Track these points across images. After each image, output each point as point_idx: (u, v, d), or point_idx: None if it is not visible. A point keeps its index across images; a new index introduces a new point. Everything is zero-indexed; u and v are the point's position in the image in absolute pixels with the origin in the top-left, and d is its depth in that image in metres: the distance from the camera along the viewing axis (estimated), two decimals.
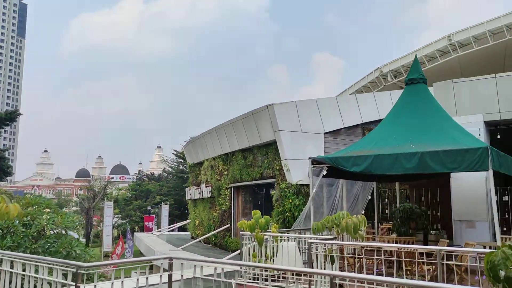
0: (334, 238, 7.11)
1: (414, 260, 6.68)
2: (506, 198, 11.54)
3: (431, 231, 11.46)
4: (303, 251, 8.49)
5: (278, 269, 6.14)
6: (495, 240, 8.90)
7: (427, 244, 11.09)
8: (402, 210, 11.70)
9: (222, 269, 4.34)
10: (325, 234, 8.26)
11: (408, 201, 13.27)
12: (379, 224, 12.91)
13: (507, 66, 21.73)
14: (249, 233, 7.84)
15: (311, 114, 14.39)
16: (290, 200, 13.17)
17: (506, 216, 11.66)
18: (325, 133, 14.54)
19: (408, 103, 10.24)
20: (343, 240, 8.60)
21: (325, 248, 6.54)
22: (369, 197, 13.21)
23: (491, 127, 12.07)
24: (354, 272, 7.61)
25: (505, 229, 11.45)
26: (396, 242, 10.23)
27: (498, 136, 11.69)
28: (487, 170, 8.15)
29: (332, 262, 6.22)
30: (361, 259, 7.54)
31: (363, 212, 12.92)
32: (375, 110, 15.43)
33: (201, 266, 4.39)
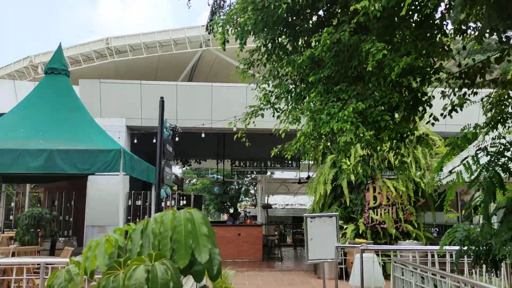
0: None
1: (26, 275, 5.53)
2: (139, 202, 11.83)
3: (60, 239, 10.46)
4: None
5: None
6: None
7: (53, 253, 10.05)
8: (30, 216, 10.27)
9: None
10: None
11: (39, 205, 11.87)
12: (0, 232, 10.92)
13: (159, 78, 23.28)
14: None
15: None
16: None
17: (138, 220, 11.95)
18: None
19: (45, 94, 9.01)
20: None
21: None
22: None
23: (133, 131, 12.24)
24: None
25: None
26: (14, 254, 8.73)
27: (135, 141, 11.95)
28: (119, 173, 7.90)
29: None
30: None
31: None
32: (14, 100, 13.31)
33: None
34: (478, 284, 3.90)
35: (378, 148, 3.85)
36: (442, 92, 3.97)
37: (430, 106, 3.94)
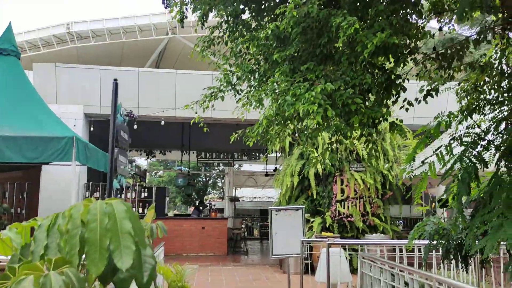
0: None
1: None
2: (97, 194, 11.22)
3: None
4: None
5: None
6: None
7: None
8: None
9: None
10: None
11: None
12: None
13: (124, 66, 22.42)
14: None
15: None
16: None
17: None
18: None
19: None
20: None
21: None
22: None
23: (92, 119, 11.59)
24: None
25: None
26: None
27: (92, 129, 11.30)
28: (71, 163, 7.33)
29: None
30: None
31: None
32: None
33: None
34: (451, 282, 3.64)
35: (348, 134, 3.51)
36: (417, 74, 3.68)
37: (404, 90, 3.63)
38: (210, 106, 4.26)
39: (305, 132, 4.03)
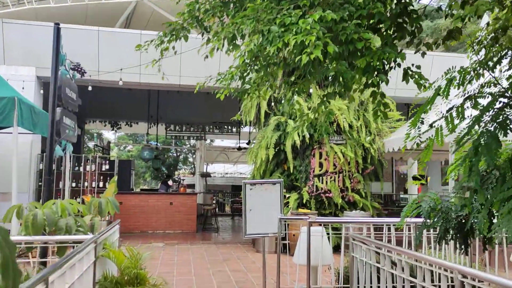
0: None
1: None
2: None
3: None
4: None
5: None
6: None
7: None
8: None
9: None
10: None
11: None
12: None
13: None
14: None
15: None
16: None
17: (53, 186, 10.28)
18: None
19: None
20: None
21: None
22: None
23: (42, 80, 10.41)
24: None
25: None
26: None
27: (42, 91, 10.13)
28: (12, 128, 6.31)
29: None
30: None
31: None
32: None
33: None
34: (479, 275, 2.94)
35: (349, 84, 2.70)
36: (438, 8, 2.88)
37: (420, 29, 2.83)
38: (170, 49, 3.36)
39: (291, 86, 3.19)
